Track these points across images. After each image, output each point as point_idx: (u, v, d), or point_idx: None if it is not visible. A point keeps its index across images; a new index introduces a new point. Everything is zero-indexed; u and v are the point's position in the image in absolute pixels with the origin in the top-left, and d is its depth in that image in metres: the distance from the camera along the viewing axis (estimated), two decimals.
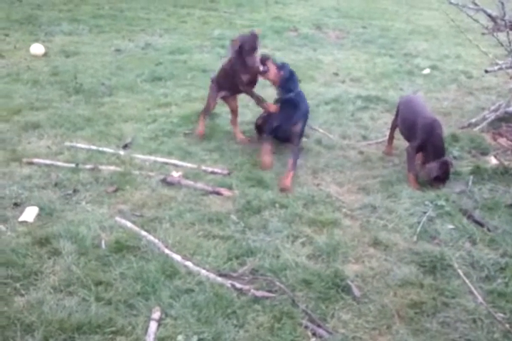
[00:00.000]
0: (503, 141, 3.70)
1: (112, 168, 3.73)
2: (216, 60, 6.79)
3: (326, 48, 7.88)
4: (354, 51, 7.77)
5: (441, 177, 3.67)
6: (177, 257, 2.79)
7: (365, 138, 4.64)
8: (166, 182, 3.56)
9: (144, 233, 2.98)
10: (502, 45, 4.08)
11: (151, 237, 2.95)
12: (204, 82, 5.81)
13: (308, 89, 5.88)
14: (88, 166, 3.73)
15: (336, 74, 6.58)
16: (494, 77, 6.53)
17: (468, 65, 7.21)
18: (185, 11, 9.75)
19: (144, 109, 4.96)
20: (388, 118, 4.86)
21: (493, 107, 5.04)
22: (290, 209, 3.36)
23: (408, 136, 4.02)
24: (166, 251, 2.84)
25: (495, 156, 4.06)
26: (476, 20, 4.60)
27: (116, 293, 2.54)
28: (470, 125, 4.82)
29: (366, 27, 9.43)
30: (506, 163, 3.96)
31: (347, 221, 3.31)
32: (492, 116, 4.78)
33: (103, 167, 3.73)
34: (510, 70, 4.25)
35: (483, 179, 3.79)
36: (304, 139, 4.26)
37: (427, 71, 6.81)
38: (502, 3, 4.90)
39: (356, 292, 2.62)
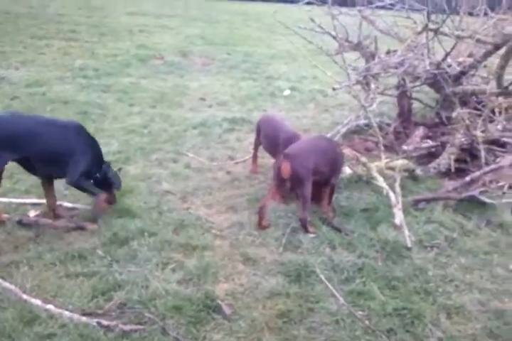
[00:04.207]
0: (347, 151, 4.04)
1: None
2: (78, 90, 6.60)
3: (192, 75, 8.06)
4: (220, 76, 8.03)
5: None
6: (36, 302, 2.61)
7: (232, 158, 4.79)
8: (22, 224, 3.33)
9: None
10: (337, 63, 4.50)
11: (6, 284, 2.73)
12: (65, 113, 5.61)
13: (176, 115, 5.96)
14: None
15: (203, 99, 6.74)
16: (347, 94, 7.09)
17: (323, 84, 7.81)
18: (43, 42, 9.36)
19: None
20: (253, 138, 5.06)
21: (345, 121, 5.50)
22: (160, 236, 3.32)
23: (272, 151, 4.23)
24: (24, 296, 2.64)
25: (349, 166, 4.41)
26: (311, 42, 5.09)
27: None
28: None
29: (230, 53, 9.83)
30: (358, 171, 4.31)
31: (217, 241, 3.35)
32: (344, 130, 5.22)
33: None
34: (348, 88, 4.64)
35: (339, 188, 4.08)
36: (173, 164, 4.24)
37: (287, 92, 7.26)
38: (344, 27, 5.44)
39: (227, 310, 2.65)
